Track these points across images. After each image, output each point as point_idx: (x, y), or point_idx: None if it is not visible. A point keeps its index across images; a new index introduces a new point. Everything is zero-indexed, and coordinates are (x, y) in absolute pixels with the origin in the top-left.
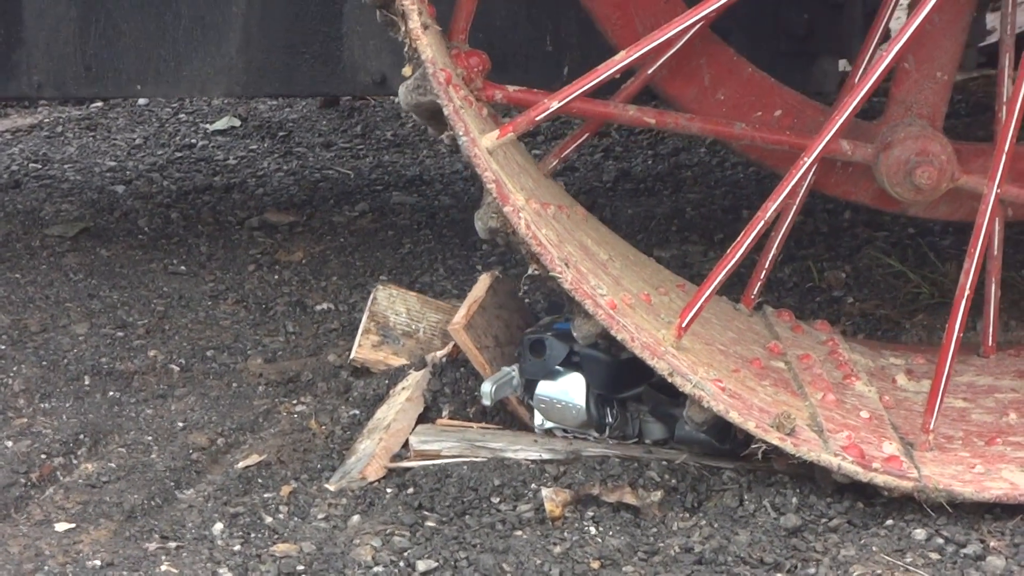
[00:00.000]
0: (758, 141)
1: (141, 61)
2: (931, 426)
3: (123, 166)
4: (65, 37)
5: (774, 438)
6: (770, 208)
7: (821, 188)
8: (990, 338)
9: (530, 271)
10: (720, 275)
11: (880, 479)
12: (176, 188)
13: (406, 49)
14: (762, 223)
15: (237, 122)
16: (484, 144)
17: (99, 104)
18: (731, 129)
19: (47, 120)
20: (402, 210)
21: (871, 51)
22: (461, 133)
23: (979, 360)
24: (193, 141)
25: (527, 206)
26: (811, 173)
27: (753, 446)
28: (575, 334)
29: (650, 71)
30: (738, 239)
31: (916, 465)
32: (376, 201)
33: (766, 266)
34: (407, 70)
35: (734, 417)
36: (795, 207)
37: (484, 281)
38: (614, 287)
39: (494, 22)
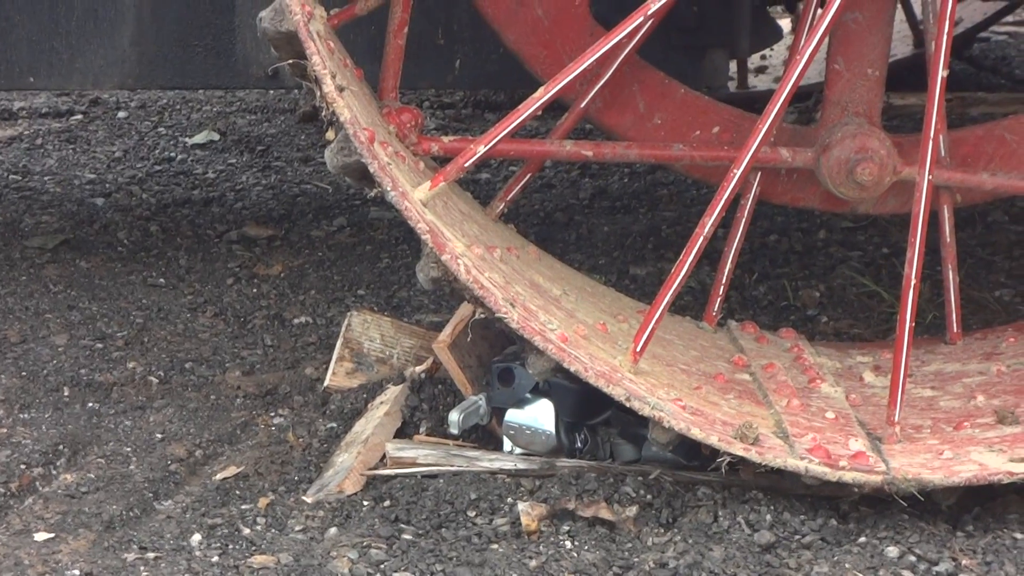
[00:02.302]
0: (697, 160)
1: (34, 53)
2: (896, 418)
3: (103, 179)
4: None
5: (738, 449)
6: (707, 223)
7: (769, 198)
8: (954, 324)
9: (476, 315)
10: (667, 296)
11: (848, 476)
12: (155, 201)
13: (323, 113)
14: (701, 239)
15: (216, 136)
16: (417, 196)
17: (79, 116)
18: (669, 152)
19: (27, 132)
20: (380, 225)
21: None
22: (389, 188)
23: (946, 348)
24: (172, 155)
25: (468, 252)
26: (755, 184)
27: (719, 459)
28: (530, 371)
29: (583, 104)
30: (680, 258)
31: (884, 458)
32: (354, 216)
33: (723, 282)
34: (330, 134)
35: (696, 433)
36: (744, 219)
37: None
38: (567, 321)
39: (385, 16)
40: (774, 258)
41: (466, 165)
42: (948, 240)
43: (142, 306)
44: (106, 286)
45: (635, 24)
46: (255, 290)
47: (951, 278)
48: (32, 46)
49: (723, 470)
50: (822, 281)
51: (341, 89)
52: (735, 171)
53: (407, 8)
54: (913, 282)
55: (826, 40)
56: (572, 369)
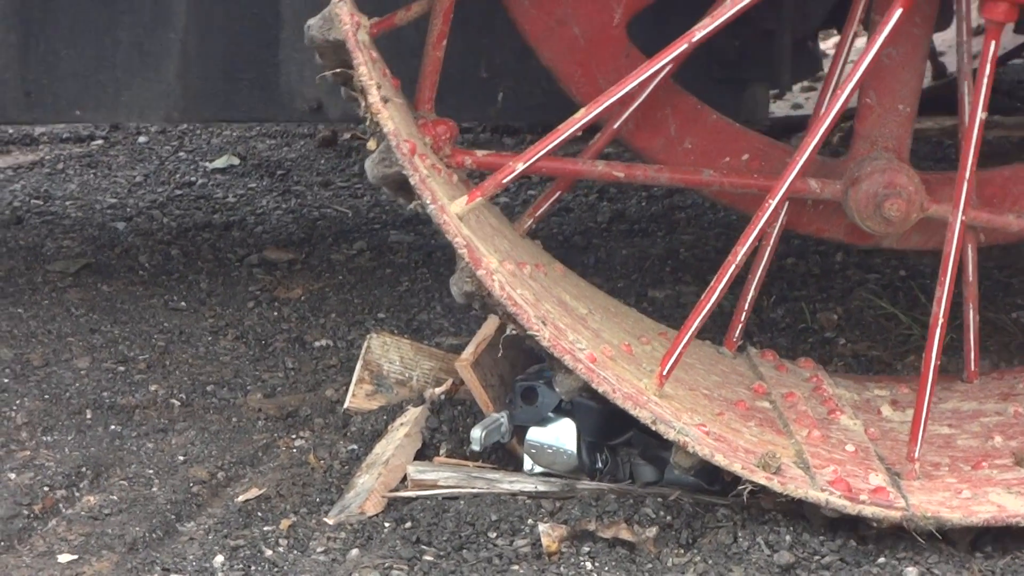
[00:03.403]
0: (727, 186)
1: (81, 87)
2: (916, 455)
3: (124, 203)
4: (4, 63)
5: (760, 478)
6: (740, 252)
7: (794, 227)
8: (972, 363)
9: (508, 331)
10: (696, 321)
11: (868, 511)
12: (176, 225)
13: (367, 123)
14: (733, 267)
15: (236, 160)
16: (454, 210)
17: (99, 141)
18: (699, 177)
19: (48, 157)
20: (399, 248)
21: (832, 87)
22: (428, 201)
23: (963, 386)
24: (193, 179)
25: (501, 268)
26: (782, 213)
27: (740, 487)
28: (557, 390)
29: (616, 125)
30: (711, 284)
31: (903, 494)
32: (374, 240)
33: (745, 309)
34: (371, 144)
35: (720, 460)
36: (770, 248)
37: (494, 320)
38: (594, 340)
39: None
40: (792, 280)
41: (503, 181)
42: (971, 280)
43: (164, 329)
44: (128, 309)
45: (679, 51)
46: (276, 313)
47: (972, 317)
48: (78, 79)
49: (744, 498)
50: (840, 304)
51: (386, 100)
52: (770, 201)
53: (447, 21)
54: (940, 320)
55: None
56: (600, 390)
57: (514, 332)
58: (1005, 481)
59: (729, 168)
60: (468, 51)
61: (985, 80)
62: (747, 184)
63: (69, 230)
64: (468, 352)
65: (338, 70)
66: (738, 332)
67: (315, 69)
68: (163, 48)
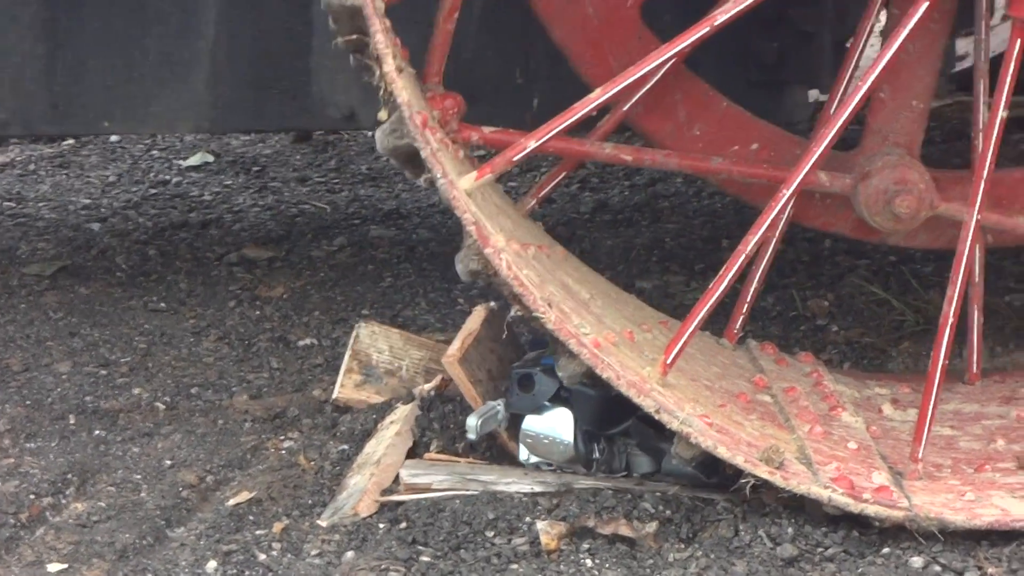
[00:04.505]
0: (736, 175)
1: (109, 98)
2: (920, 455)
3: (98, 203)
4: (32, 74)
5: (763, 472)
6: (751, 241)
7: (800, 220)
8: (975, 365)
9: (513, 312)
10: (703, 310)
11: (871, 510)
12: (152, 225)
13: (381, 93)
14: (743, 256)
15: (210, 158)
16: (463, 186)
17: (71, 141)
18: (708, 164)
19: (19, 158)
20: (381, 244)
21: (845, 81)
22: (439, 176)
23: (964, 387)
24: (167, 177)
25: (508, 247)
26: (790, 205)
27: (742, 480)
28: (560, 374)
29: (625, 108)
30: (720, 273)
31: (906, 494)
32: (354, 235)
33: (748, 299)
34: (383, 114)
35: (722, 452)
36: (775, 239)
37: (479, 314)
38: (597, 325)
39: (463, 55)
40: (781, 268)
41: (514, 159)
42: (977, 281)
43: (144, 331)
44: (107, 312)
45: (699, 34)
46: (258, 312)
47: (976, 319)
48: (106, 90)
49: (746, 492)
50: (830, 290)
51: (401, 69)
52: (784, 191)
53: None
54: (951, 320)
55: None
56: (604, 376)
57: (519, 313)
58: (1008, 485)
59: (738, 156)
60: (503, 58)
61: (1008, 78)
62: (757, 174)
63: (43, 232)
64: (454, 348)
65: (353, 36)
66: (739, 324)
67: (347, 76)
68: (192, 57)
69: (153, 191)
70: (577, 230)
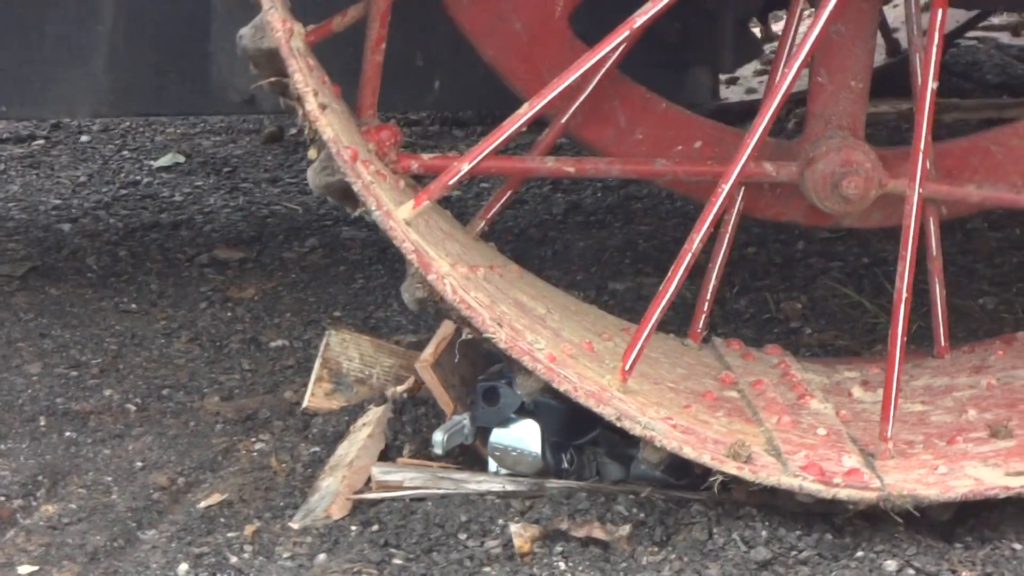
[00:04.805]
0: (680, 175)
1: (7, 82)
2: (889, 433)
3: (68, 204)
4: None
5: (731, 468)
6: (695, 239)
7: (752, 212)
8: (942, 339)
9: (464, 335)
10: (656, 314)
11: (843, 494)
12: (123, 226)
13: (306, 132)
14: (690, 256)
15: (181, 159)
16: (401, 215)
17: (41, 141)
18: (652, 167)
19: None
20: (353, 245)
21: (780, 67)
22: (373, 208)
23: (934, 362)
24: (138, 178)
25: (453, 271)
26: (738, 199)
27: (711, 479)
28: (519, 392)
29: (563, 120)
30: (668, 275)
31: (879, 475)
32: (326, 236)
33: (708, 299)
34: (312, 152)
35: (688, 452)
36: (729, 235)
37: None
38: (553, 340)
39: (364, 38)
40: (754, 270)
41: (450, 183)
42: (935, 253)
43: (115, 332)
44: (78, 313)
45: (620, 39)
46: (229, 314)
47: (938, 292)
48: (3, 75)
49: (715, 490)
50: (804, 292)
51: (324, 107)
52: (723, 186)
53: (385, 24)
54: (904, 296)
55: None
56: (562, 389)
57: (470, 336)
58: (981, 454)
59: (682, 156)
60: (404, 41)
61: (935, 49)
62: (700, 171)
63: (13, 232)
64: (428, 352)
65: (274, 79)
66: (702, 323)
67: (247, 61)
68: (91, 42)
69: (124, 192)
70: (549, 232)
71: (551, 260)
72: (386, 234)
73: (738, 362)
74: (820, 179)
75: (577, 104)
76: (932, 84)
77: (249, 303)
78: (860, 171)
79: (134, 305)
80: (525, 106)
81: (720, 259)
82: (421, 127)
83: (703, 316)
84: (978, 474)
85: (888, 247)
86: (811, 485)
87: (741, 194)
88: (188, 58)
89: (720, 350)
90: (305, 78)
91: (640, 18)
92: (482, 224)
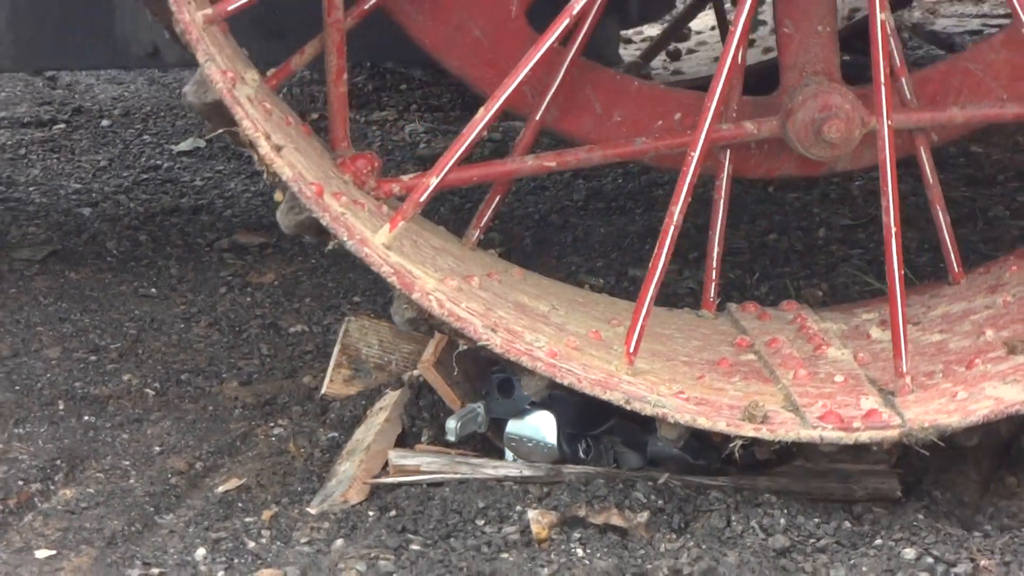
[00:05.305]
0: (661, 149)
1: None
2: (904, 368)
3: (89, 188)
4: None
5: (748, 430)
6: (675, 211)
7: (744, 173)
8: (955, 264)
9: (461, 347)
10: (649, 292)
11: (864, 436)
12: (143, 210)
13: (265, 176)
14: (672, 228)
15: (202, 143)
16: (379, 240)
17: (62, 125)
18: (632, 147)
19: (10, 142)
20: None
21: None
22: (346, 239)
23: (950, 289)
24: (158, 162)
25: (442, 285)
26: (727, 163)
27: (731, 444)
28: (525, 392)
29: (538, 116)
30: (655, 251)
31: (899, 412)
32: None
33: (715, 267)
34: (278, 195)
35: (703, 423)
36: (723, 200)
37: None
38: (556, 335)
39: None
40: (775, 257)
41: (421, 200)
42: (932, 182)
43: (135, 317)
44: (97, 297)
45: (563, 27)
46: (249, 299)
47: (942, 218)
48: None
49: (737, 455)
50: (824, 280)
51: (279, 148)
52: (692, 153)
53: (342, 55)
54: (893, 229)
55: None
56: (565, 383)
57: (466, 347)
58: (1000, 373)
59: (663, 131)
60: None
61: None
62: (679, 143)
63: (34, 216)
64: (428, 352)
65: (233, 128)
66: (713, 292)
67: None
68: None
69: (144, 176)
70: (570, 218)
71: (571, 246)
72: (363, 261)
73: (754, 324)
74: (802, 128)
75: (548, 98)
76: (881, 15)
77: (269, 288)
78: (840, 114)
79: (154, 290)
80: (481, 110)
81: (719, 225)
82: (443, 112)
83: (712, 284)
84: (998, 393)
85: (909, 234)
86: (831, 434)
87: (728, 157)
88: (92, 12)
89: (736, 315)
90: (255, 124)
91: (578, 4)
92: (476, 233)
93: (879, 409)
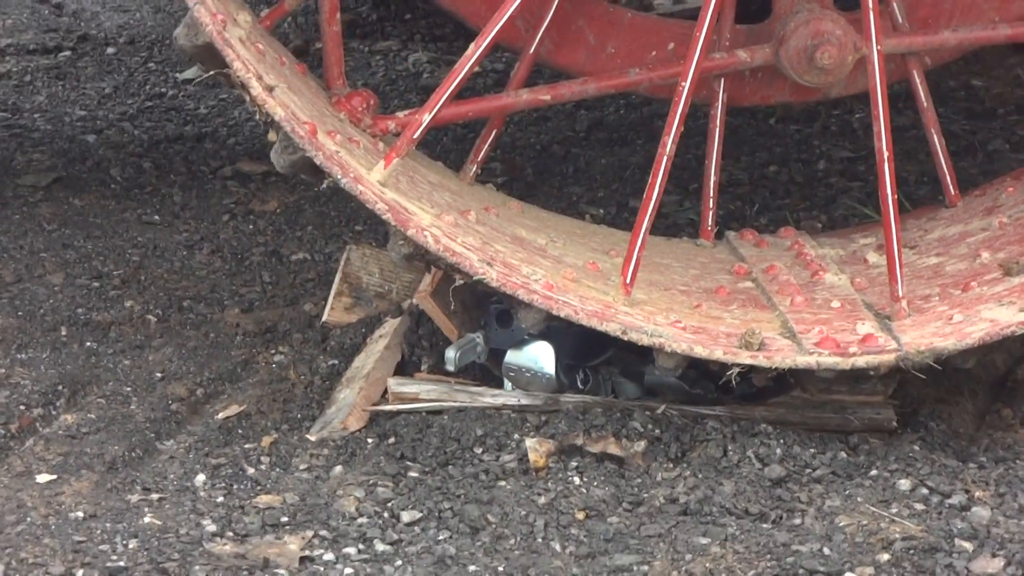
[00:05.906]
0: (656, 80)
1: None
2: (900, 292)
3: (94, 115)
4: None
5: (745, 358)
6: (667, 142)
7: (739, 102)
8: (951, 186)
9: (457, 282)
10: (644, 222)
11: (861, 361)
12: (148, 137)
13: (258, 116)
14: (665, 158)
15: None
16: (373, 178)
17: (67, 53)
18: (626, 79)
19: (15, 69)
20: None
21: None
22: (340, 177)
23: (947, 212)
24: (163, 90)
25: (438, 221)
26: (720, 91)
27: (728, 373)
28: (523, 325)
29: (532, 50)
30: (649, 180)
31: (895, 336)
32: None
33: (712, 195)
34: (271, 135)
35: (700, 351)
36: (718, 129)
37: None
38: (554, 268)
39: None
40: (774, 189)
41: (415, 137)
42: (925, 104)
43: (137, 244)
44: (100, 224)
45: None
46: (251, 227)
47: (937, 141)
48: None
49: (734, 381)
50: (824, 212)
51: (271, 89)
52: (683, 83)
53: None
54: (886, 154)
55: None
56: (562, 314)
57: (463, 281)
58: (996, 295)
59: (657, 62)
60: None
61: None
62: (672, 74)
63: (39, 143)
64: (425, 283)
65: (225, 70)
66: (710, 220)
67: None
68: None
69: (149, 103)
70: (572, 148)
71: (573, 177)
72: (357, 199)
73: (752, 251)
74: (794, 55)
75: (542, 32)
76: None
77: (271, 216)
78: (832, 39)
79: (157, 217)
80: (472, 45)
81: (715, 154)
82: (446, 42)
83: (710, 213)
84: (993, 315)
85: (908, 168)
86: (827, 359)
87: (722, 86)
88: None
89: (734, 243)
90: (246, 65)
91: None
92: (474, 168)
93: (875, 334)
